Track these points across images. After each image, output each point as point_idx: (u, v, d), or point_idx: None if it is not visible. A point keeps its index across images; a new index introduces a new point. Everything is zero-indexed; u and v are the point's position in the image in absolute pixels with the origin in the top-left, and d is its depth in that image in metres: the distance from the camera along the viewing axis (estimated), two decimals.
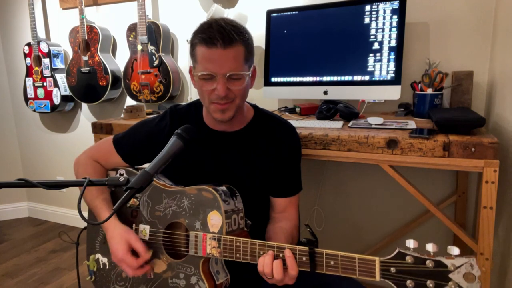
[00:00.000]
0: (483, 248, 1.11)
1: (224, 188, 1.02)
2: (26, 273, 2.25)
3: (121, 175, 1.17)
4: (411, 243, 0.73)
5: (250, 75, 1.05)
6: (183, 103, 1.23)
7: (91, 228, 1.20)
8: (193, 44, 1.01)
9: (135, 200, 1.11)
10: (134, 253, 1.04)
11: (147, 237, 1.07)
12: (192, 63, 1.05)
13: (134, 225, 1.10)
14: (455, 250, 0.71)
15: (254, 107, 1.18)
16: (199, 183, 1.05)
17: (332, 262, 0.81)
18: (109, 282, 1.14)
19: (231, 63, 0.97)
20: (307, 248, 0.83)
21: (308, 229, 0.84)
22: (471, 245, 1.17)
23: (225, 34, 0.95)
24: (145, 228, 1.08)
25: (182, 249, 1.04)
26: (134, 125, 1.22)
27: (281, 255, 0.87)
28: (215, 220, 0.97)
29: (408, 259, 0.73)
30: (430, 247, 0.72)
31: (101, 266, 1.16)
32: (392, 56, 1.51)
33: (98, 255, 1.17)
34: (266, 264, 0.86)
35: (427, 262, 0.71)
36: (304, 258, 0.84)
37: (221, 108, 1.02)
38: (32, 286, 2.11)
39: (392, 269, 0.74)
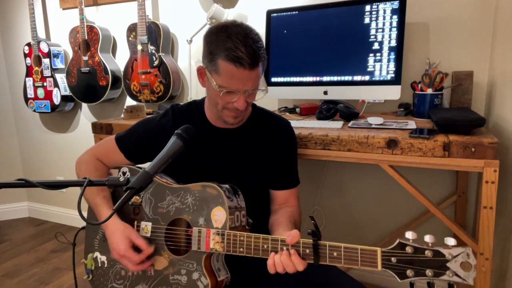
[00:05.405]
0: (483, 248, 1.11)
1: (227, 186, 1.04)
2: (26, 273, 2.25)
3: (124, 173, 1.18)
4: (410, 235, 0.77)
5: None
6: (183, 103, 1.23)
7: (90, 227, 1.20)
8: (214, 54, 0.98)
9: (137, 197, 1.11)
10: (136, 250, 1.04)
11: (148, 234, 1.08)
12: (208, 66, 1.02)
13: (136, 222, 1.10)
14: (451, 241, 0.74)
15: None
16: (200, 178, 1.06)
17: (335, 254, 0.83)
18: (107, 281, 1.14)
19: (253, 81, 1.01)
20: (311, 240, 0.84)
21: (312, 221, 0.85)
22: (471, 245, 1.17)
23: (253, 56, 0.96)
24: (146, 225, 1.09)
25: (184, 245, 1.05)
26: (136, 123, 1.23)
27: (285, 248, 0.88)
28: (219, 215, 0.98)
29: (408, 249, 0.76)
30: (428, 238, 0.76)
31: (99, 265, 1.16)
32: (392, 56, 1.51)
33: (97, 254, 1.17)
34: (277, 264, 0.86)
35: (426, 252, 0.74)
36: (307, 251, 0.85)
37: (235, 115, 1.07)
38: (32, 286, 2.11)
39: (393, 259, 0.77)
